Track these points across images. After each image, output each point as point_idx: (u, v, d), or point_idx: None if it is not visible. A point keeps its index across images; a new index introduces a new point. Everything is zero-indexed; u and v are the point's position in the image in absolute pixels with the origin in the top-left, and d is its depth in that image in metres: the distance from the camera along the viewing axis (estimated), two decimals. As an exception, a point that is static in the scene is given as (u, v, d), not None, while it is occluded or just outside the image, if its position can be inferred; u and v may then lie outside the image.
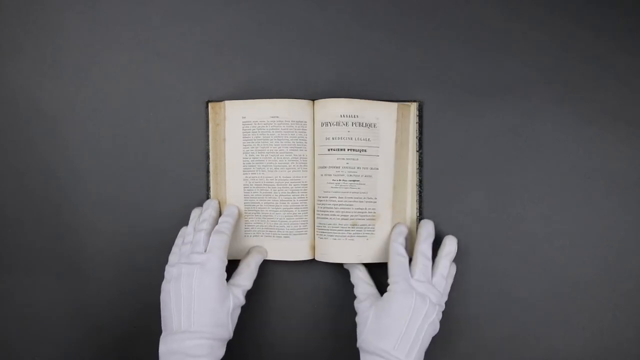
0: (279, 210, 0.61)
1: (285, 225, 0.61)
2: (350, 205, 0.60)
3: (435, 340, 0.57)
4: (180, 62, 0.63)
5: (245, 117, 0.60)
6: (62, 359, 0.65)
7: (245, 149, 0.61)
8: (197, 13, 0.63)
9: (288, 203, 0.61)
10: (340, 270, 0.63)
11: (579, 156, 0.62)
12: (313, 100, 0.61)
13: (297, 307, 0.64)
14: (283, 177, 0.61)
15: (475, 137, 0.63)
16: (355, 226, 0.60)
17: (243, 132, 0.61)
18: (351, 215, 0.60)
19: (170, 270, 0.56)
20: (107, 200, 0.64)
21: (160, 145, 0.64)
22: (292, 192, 0.61)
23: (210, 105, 0.62)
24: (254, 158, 0.61)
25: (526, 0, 0.62)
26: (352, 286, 0.61)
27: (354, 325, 0.59)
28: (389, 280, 0.57)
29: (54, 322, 0.65)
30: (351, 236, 0.60)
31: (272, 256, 0.62)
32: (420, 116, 0.62)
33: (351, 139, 0.59)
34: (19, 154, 0.64)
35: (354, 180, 0.60)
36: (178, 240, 0.60)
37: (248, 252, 0.61)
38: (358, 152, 0.60)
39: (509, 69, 0.62)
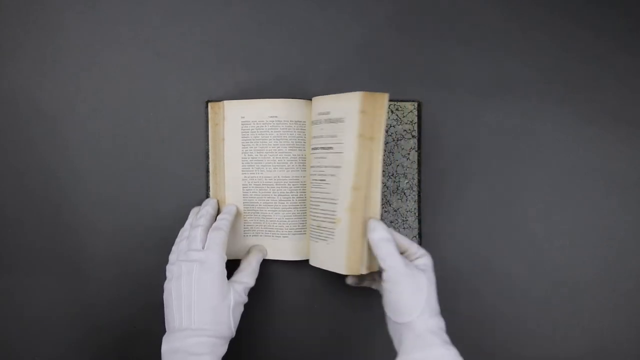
0: (277, 210, 0.61)
1: (284, 225, 0.61)
2: (317, 205, 0.58)
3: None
4: (180, 62, 0.63)
5: (244, 117, 0.60)
6: (62, 359, 0.65)
7: (244, 149, 0.61)
8: (197, 13, 0.63)
9: (287, 203, 0.61)
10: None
11: (579, 156, 0.62)
12: (312, 100, 0.61)
13: (296, 307, 0.64)
14: (282, 176, 0.61)
15: (475, 137, 0.63)
16: (319, 228, 0.58)
17: (242, 132, 0.60)
18: (317, 216, 0.58)
19: (171, 269, 0.56)
20: (107, 200, 0.64)
21: (160, 145, 0.64)
22: (291, 192, 0.61)
23: (209, 105, 0.62)
24: (252, 158, 0.61)
25: (526, 0, 0.62)
26: (349, 285, 0.60)
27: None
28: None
29: (54, 322, 0.64)
30: (316, 238, 0.58)
31: (271, 256, 0.62)
32: (420, 116, 0.62)
33: (322, 136, 0.57)
34: (19, 154, 0.64)
35: (321, 180, 0.57)
36: (177, 240, 0.60)
37: (249, 251, 0.61)
38: (326, 151, 0.56)
39: (509, 69, 0.62)
